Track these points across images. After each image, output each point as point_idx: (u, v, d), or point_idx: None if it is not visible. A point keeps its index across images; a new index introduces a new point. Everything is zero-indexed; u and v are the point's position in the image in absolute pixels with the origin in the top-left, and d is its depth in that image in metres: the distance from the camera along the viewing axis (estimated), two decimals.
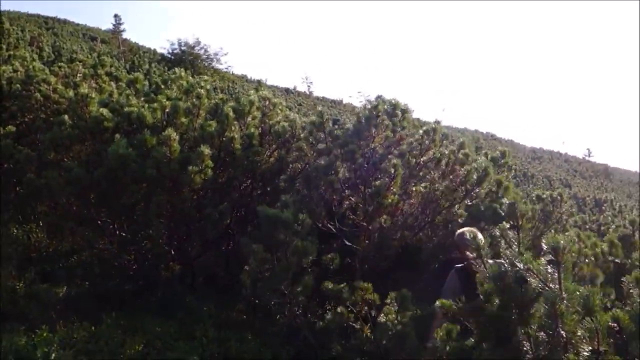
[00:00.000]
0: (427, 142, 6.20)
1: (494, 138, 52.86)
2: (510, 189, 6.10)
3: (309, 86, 60.50)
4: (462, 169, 6.56)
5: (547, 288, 3.33)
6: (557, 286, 3.32)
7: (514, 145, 52.32)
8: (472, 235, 4.44)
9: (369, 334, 4.73)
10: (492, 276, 3.35)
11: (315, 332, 5.57)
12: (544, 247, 3.51)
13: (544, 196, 7.34)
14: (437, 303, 3.91)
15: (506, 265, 3.47)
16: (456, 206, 6.10)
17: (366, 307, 4.61)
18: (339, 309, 4.83)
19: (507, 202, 6.34)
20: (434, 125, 6.40)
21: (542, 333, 3.35)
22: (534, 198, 7.53)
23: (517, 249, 3.46)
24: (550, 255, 3.35)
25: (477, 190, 6.41)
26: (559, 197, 7.31)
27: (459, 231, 4.82)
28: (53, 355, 4.43)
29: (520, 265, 3.42)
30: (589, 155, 69.68)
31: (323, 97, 55.46)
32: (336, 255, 5.34)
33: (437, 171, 6.08)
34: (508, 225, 3.57)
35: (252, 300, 7.16)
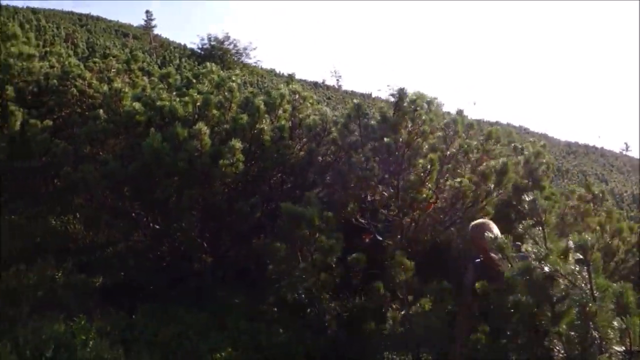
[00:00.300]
0: (450, 133, 6.13)
1: (527, 132, 51.90)
2: (547, 186, 6.00)
3: (337, 80, 60.40)
4: (484, 165, 6.43)
5: (576, 288, 3.24)
6: (587, 285, 3.23)
7: (548, 138, 51.15)
8: (485, 228, 4.30)
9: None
10: (520, 272, 3.28)
11: (345, 326, 5.59)
12: (571, 245, 3.40)
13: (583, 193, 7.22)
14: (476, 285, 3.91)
15: (532, 261, 3.38)
16: (483, 202, 6.00)
17: (404, 288, 4.58)
18: (376, 284, 4.81)
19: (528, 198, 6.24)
20: (455, 116, 6.30)
21: (573, 333, 3.28)
22: (574, 195, 7.39)
23: (543, 246, 3.37)
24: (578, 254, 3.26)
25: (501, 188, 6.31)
26: (600, 195, 7.19)
27: (472, 224, 4.74)
28: (91, 343, 4.54)
29: (546, 268, 3.33)
30: (627, 150, 67.87)
31: (352, 91, 55.24)
32: (362, 256, 5.30)
33: (466, 165, 6.00)
34: (532, 222, 3.48)
35: (282, 295, 7.23)
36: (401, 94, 6.02)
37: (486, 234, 4.23)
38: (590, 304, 3.10)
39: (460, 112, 6.21)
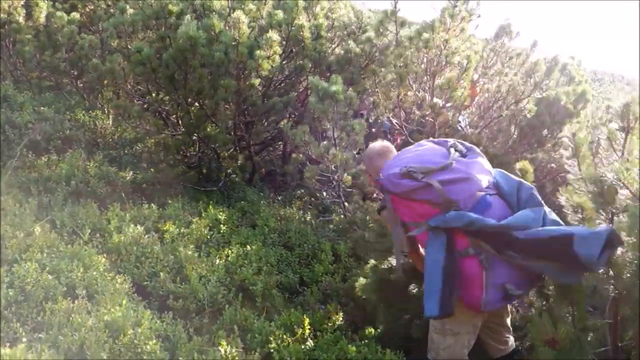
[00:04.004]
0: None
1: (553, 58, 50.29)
2: (587, 90, 5.78)
3: None
4: (530, 61, 6.31)
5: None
6: None
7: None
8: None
9: None
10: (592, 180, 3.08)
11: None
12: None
13: None
14: None
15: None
16: (525, 100, 5.81)
17: None
18: None
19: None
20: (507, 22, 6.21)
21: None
22: None
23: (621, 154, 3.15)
24: None
25: (547, 82, 6.15)
26: None
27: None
28: (125, 228, 4.59)
29: (610, 175, 3.13)
30: None
31: (376, 10, 53.39)
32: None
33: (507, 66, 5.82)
34: (617, 126, 3.25)
35: (309, 199, 7.27)
36: None
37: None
38: None
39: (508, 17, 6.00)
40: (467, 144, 3.15)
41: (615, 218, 2.83)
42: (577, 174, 3.05)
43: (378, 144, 3.55)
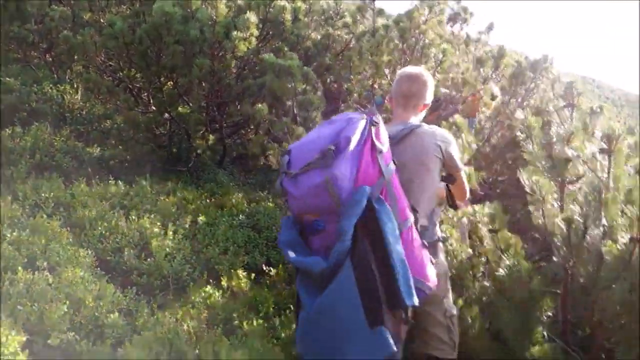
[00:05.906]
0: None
1: (527, 59, 51.14)
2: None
3: None
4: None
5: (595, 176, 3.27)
6: (605, 175, 3.27)
7: None
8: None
9: None
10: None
11: None
12: (597, 133, 3.42)
13: None
14: None
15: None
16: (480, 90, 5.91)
17: None
18: None
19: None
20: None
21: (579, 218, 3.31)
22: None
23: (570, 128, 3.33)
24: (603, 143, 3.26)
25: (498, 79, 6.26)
26: None
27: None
28: (90, 204, 4.52)
29: (570, 152, 3.33)
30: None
31: None
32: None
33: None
34: (563, 104, 3.43)
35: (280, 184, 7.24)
36: None
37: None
38: (606, 192, 3.11)
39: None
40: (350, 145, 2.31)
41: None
42: (531, 152, 3.22)
43: (411, 69, 3.06)
